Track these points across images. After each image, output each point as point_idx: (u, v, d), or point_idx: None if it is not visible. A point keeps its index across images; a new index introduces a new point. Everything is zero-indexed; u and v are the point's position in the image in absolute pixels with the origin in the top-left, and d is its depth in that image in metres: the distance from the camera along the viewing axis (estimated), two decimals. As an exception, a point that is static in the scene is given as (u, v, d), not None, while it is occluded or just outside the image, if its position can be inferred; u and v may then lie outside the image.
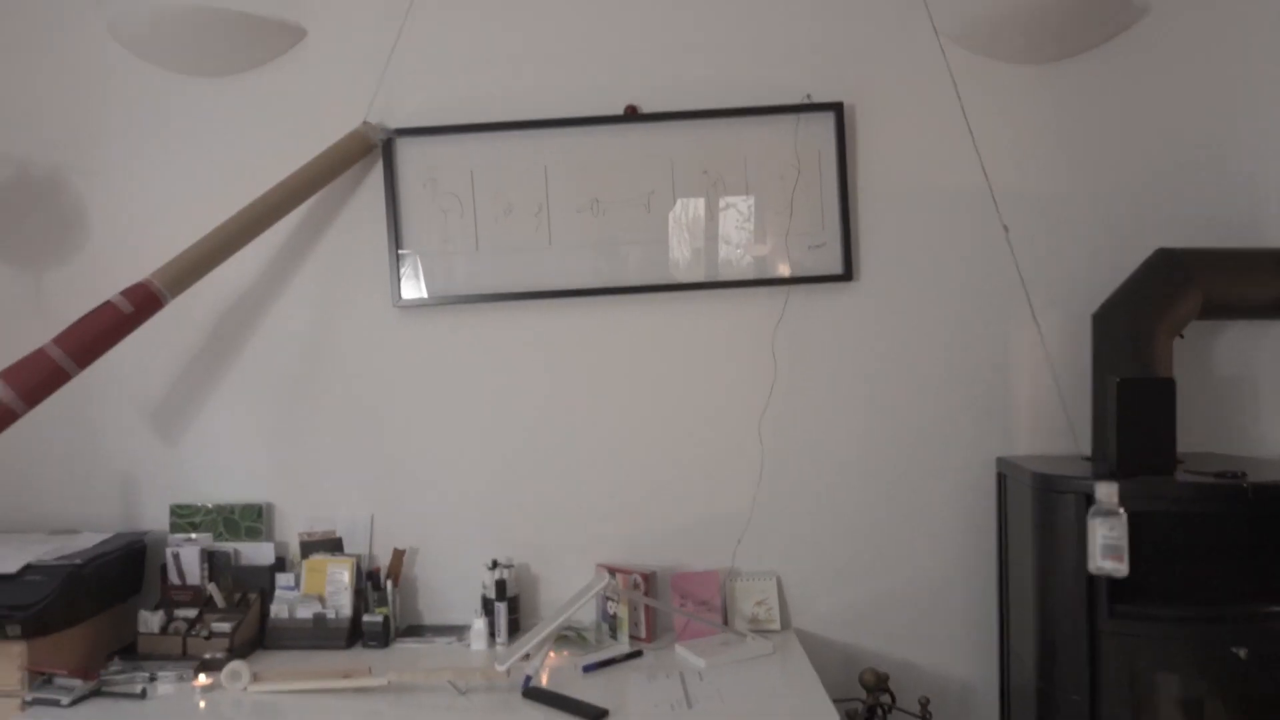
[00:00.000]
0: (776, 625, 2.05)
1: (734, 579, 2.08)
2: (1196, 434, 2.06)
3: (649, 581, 2.04)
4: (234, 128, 2.15)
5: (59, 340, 1.71)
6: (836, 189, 2.09)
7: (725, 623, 2.04)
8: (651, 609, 2.00)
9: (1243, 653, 1.58)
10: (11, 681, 1.75)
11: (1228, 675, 1.61)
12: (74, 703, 1.69)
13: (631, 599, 1.98)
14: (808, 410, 2.10)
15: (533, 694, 1.69)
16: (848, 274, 2.08)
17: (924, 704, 1.94)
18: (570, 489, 2.12)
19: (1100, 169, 2.08)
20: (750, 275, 2.09)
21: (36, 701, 1.69)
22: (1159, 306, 1.81)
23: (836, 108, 2.08)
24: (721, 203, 2.09)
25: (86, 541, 1.97)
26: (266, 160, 2.13)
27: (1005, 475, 1.99)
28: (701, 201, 2.10)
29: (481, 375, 2.13)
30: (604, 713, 1.58)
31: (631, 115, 2.10)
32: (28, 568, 1.79)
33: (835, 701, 1.71)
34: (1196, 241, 2.06)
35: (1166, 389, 1.71)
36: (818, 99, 2.11)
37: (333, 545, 2.12)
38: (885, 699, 1.93)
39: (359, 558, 2.09)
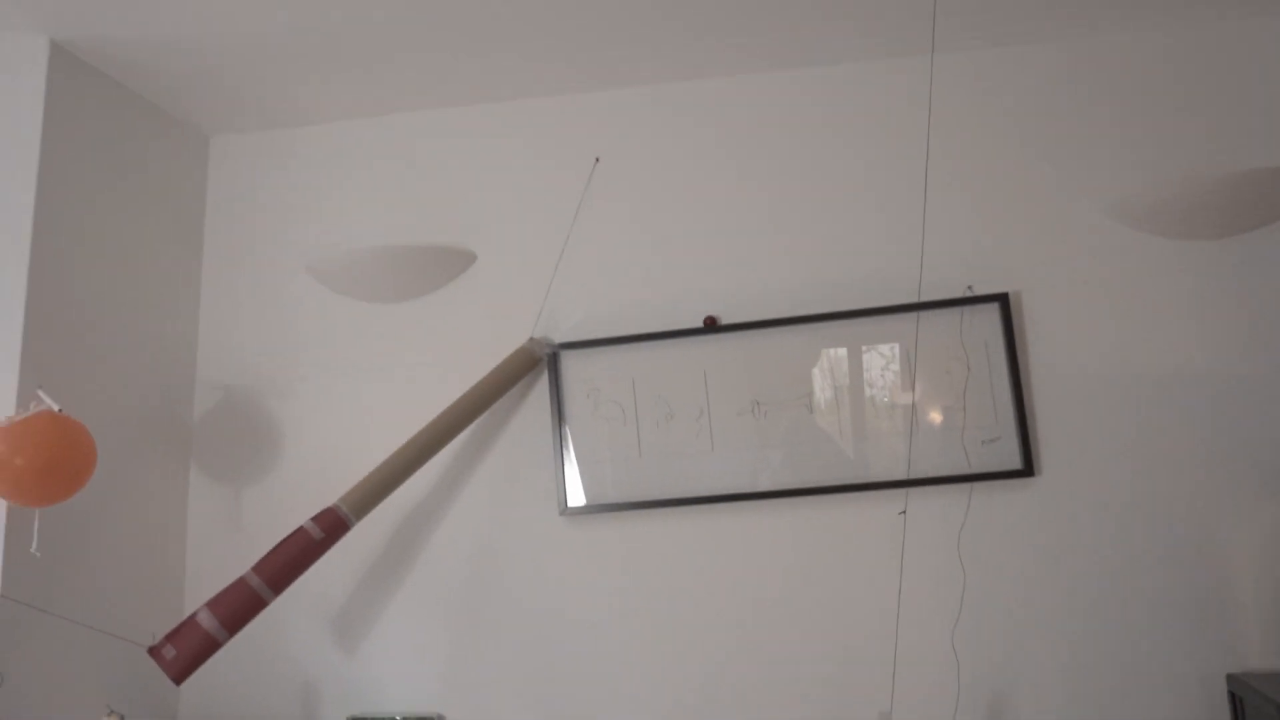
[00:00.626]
0: None
1: (927, 812, 1.89)
2: None
3: (833, 814, 1.88)
4: (412, 347, 2.31)
5: (257, 569, 1.81)
6: (1008, 380, 2.00)
7: None
8: (837, 847, 1.84)
9: None
10: None
11: None
12: None
13: (815, 836, 1.83)
14: (1002, 618, 1.95)
15: None
16: (1028, 469, 1.97)
17: None
18: (752, 702, 2.02)
19: (1308, 348, 1.92)
20: (925, 474, 2.00)
21: None
22: None
23: (1001, 298, 2.03)
24: (888, 400, 2.05)
25: (270, 757, 2.02)
26: (441, 376, 2.26)
27: (1241, 698, 1.75)
28: (866, 399, 2.06)
29: (651, 582, 2.10)
30: None
31: (790, 319, 2.11)
32: (218, 791, 1.84)
33: None
34: None
35: None
36: (980, 291, 2.07)
37: (501, 762, 2.09)
38: None
39: (527, 777, 2.04)
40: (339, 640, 2.23)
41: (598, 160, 2.31)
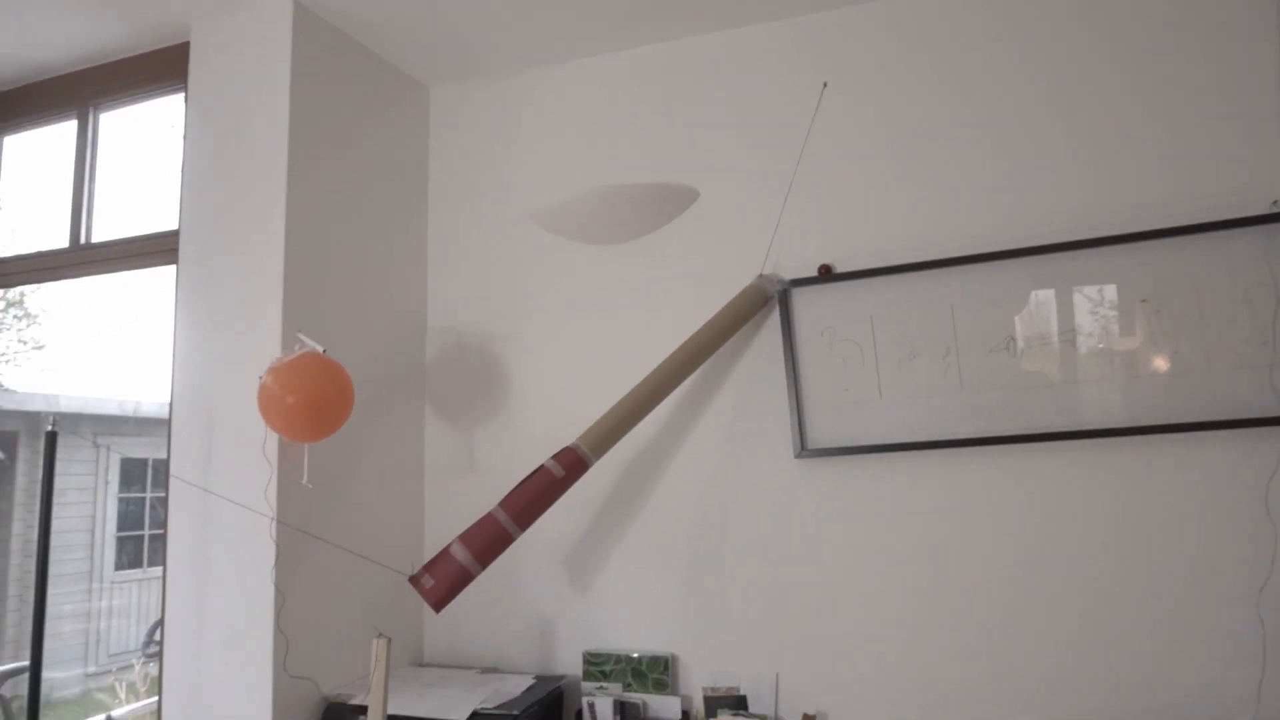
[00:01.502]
0: None
1: (1221, 791, 1.70)
2: None
3: (1108, 786, 1.72)
4: (637, 288, 2.27)
5: (504, 505, 1.84)
6: (1326, 310, 1.72)
7: None
8: (1115, 821, 1.69)
9: None
10: (459, 826, 1.86)
11: None
12: None
13: (1089, 807, 1.69)
14: (1308, 583, 1.70)
15: None
16: (1352, 413, 1.69)
17: None
18: (1006, 662, 1.89)
19: None
20: (1215, 416, 1.76)
21: None
22: None
23: (1318, 214, 1.74)
24: (1170, 333, 1.81)
25: (515, 687, 2.08)
26: (668, 317, 2.21)
27: None
28: (1141, 334, 1.83)
29: (892, 529, 1.99)
30: None
31: (1051, 247, 1.91)
32: (474, 715, 1.91)
33: None
34: None
35: None
36: (1288, 205, 1.78)
37: (737, 702, 2.06)
38: None
39: (766, 718, 2.01)
40: (573, 579, 2.26)
41: (825, 85, 2.16)
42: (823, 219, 2.11)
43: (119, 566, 8.23)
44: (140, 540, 8.61)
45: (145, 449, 8.54)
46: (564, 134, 2.42)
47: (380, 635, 1.64)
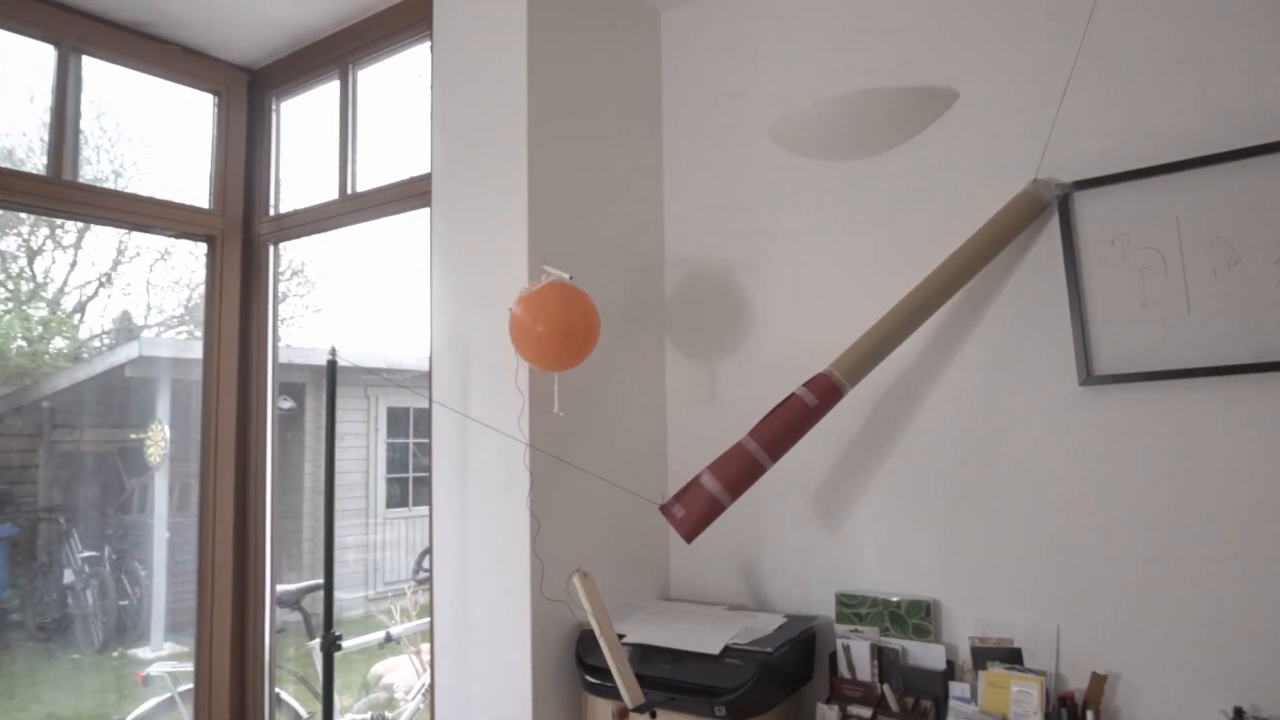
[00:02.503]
0: None
1: None
2: None
3: None
4: (890, 206, 2.09)
5: (754, 434, 1.76)
6: None
7: None
8: None
9: None
10: (714, 758, 1.83)
11: None
12: (774, 796, 1.69)
13: None
14: None
15: None
16: None
17: None
18: (1348, 626, 1.57)
19: None
20: None
21: (739, 785, 1.74)
22: None
23: None
24: None
25: (765, 625, 2.02)
26: (925, 236, 2.02)
27: None
28: None
29: (1199, 468, 1.71)
30: None
31: None
32: (726, 650, 1.87)
33: None
34: None
35: None
36: None
37: (1010, 655, 1.87)
38: None
39: (1046, 676, 1.80)
40: (822, 517, 2.16)
41: (1116, -50, 1.85)
42: (1109, 109, 1.82)
43: (389, 504, 9.12)
44: (406, 482, 9.48)
45: (407, 399, 9.35)
46: (800, 41, 2.26)
47: (578, 571, 1.63)
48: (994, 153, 1.95)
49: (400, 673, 5.39)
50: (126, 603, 7.37)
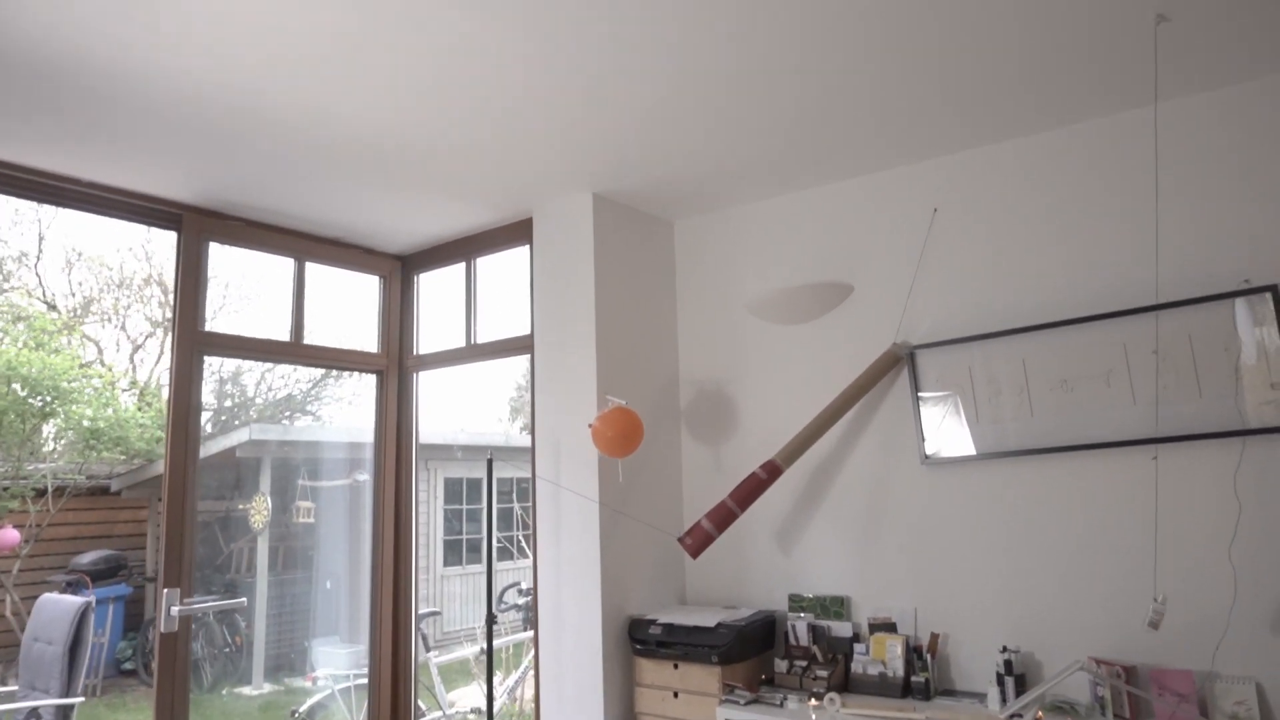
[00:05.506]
0: (1256, 724, 2.45)
1: (1213, 680, 2.54)
2: None
3: (1130, 674, 2.62)
4: (814, 352, 3.42)
5: (731, 496, 3.06)
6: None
7: (1203, 715, 2.51)
8: (1133, 696, 2.58)
9: None
10: (713, 689, 3.08)
11: None
12: (746, 704, 2.94)
13: (1114, 685, 2.60)
14: (1275, 537, 2.51)
15: (1026, 738, 2.45)
16: (1300, 425, 2.48)
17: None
18: (1064, 601, 2.82)
19: None
20: (1207, 429, 2.61)
21: (726, 702, 2.98)
22: None
23: (1272, 289, 2.55)
24: (1172, 373, 2.68)
25: (743, 613, 3.28)
26: (834, 372, 3.33)
27: None
28: (1153, 373, 2.71)
29: (988, 512, 2.98)
30: (1073, 753, 2.29)
31: (1086, 318, 2.83)
32: (719, 625, 3.13)
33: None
34: None
35: None
36: (1256, 283, 2.59)
37: (888, 626, 3.12)
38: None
39: (907, 637, 3.05)
40: (781, 545, 3.44)
41: (936, 210, 3.20)
42: (934, 304, 3.15)
43: (446, 564, 10.33)
44: (460, 544, 10.73)
45: (461, 470, 10.65)
46: (764, 248, 3.62)
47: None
48: (872, 324, 3.28)
49: (469, 695, 6.64)
50: (229, 649, 8.62)
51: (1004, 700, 2.76)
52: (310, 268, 3.83)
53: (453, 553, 10.56)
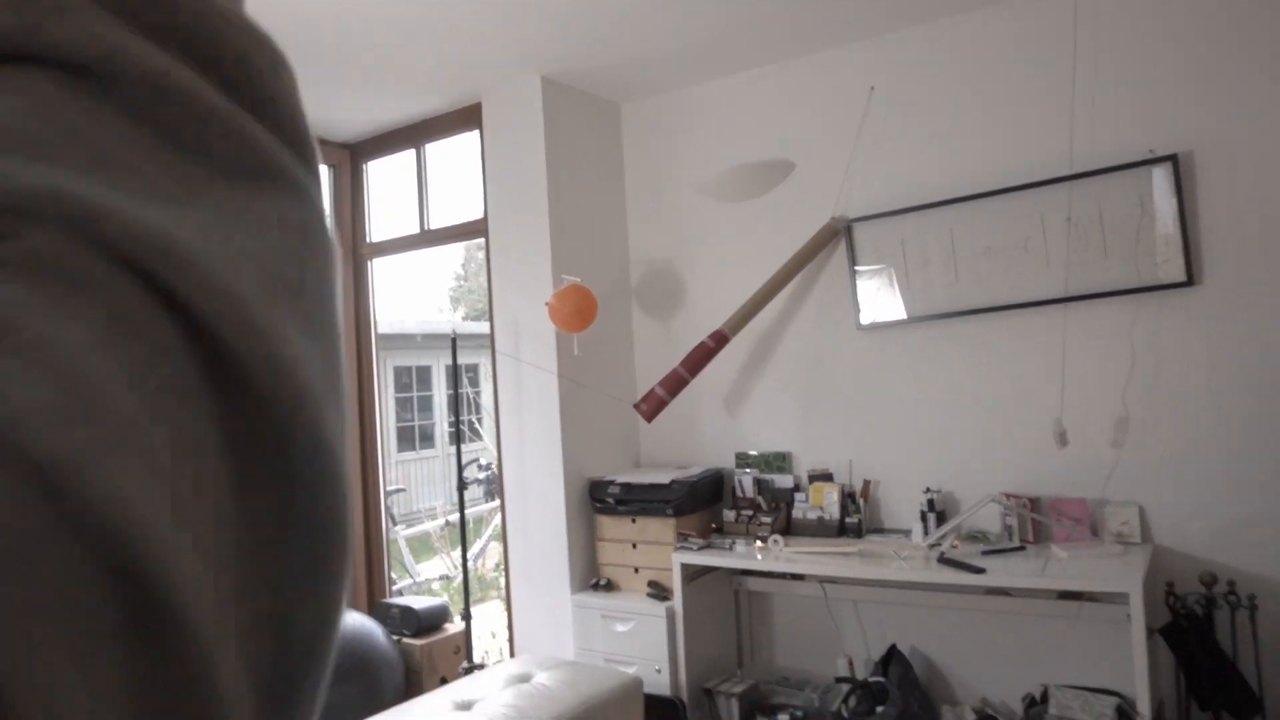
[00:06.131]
0: (1137, 540, 2.84)
1: (1102, 505, 2.92)
2: None
3: (1034, 504, 2.99)
4: (758, 228, 3.61)
5: (682, 364, 3.30)
6: (1177, 219, 2.79)
7: (1094, 535, 2.90)
8: (1036, 522, 2.95)
9: None
10: (668, 539, 3.39)
11: None
12: (699, 550, 3.26)
13: (1020, 514, 2.96)
14: (1167, 382, 2.84)
15: (944, 560, 2.81)
16: (1190, 280, 2.78)
17: (1248, 598, 2.59)
18: (979, 446, 3.16)
19: None
20: (1109, 288, 2.90)
21: (680, 549, 3.30)
22: None
23: (1173, 158, 2.79)
24: (1081, 239, 2.95)
25: (694, 473, 3.58)
26: (777, 246, 3.54)
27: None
28: (1065, 240, 2.97)
29: (914, 371, 3.28)
30: (981, 570, 2.65)
31: (1009, 189, 3.07)
32: (673, 481, 3.42)
33: (1182, 595, 2.53)
34: None
35: None
36: (1161, 152, 2.84)
37: (825, 477, 3.45)
38: (1218, 590, 2.62)
39: (843, 485, 3.38)
40: (729, 408, 3.71)
41: (872, 89, 3.36)
42: (870, 180, 3.35)
43: (400, 449, 10.53)
44: (412, 429, 10.91)
45: (409, 359, 10.72)
46: (710, 129, 3.75)
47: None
48: (812, 200, 3.47)
49: (434, 567, 6.96)
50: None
51: (926, 533, 3.12)
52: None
53: (405, 439, 10.79)
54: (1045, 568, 2.68)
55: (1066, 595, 2.90)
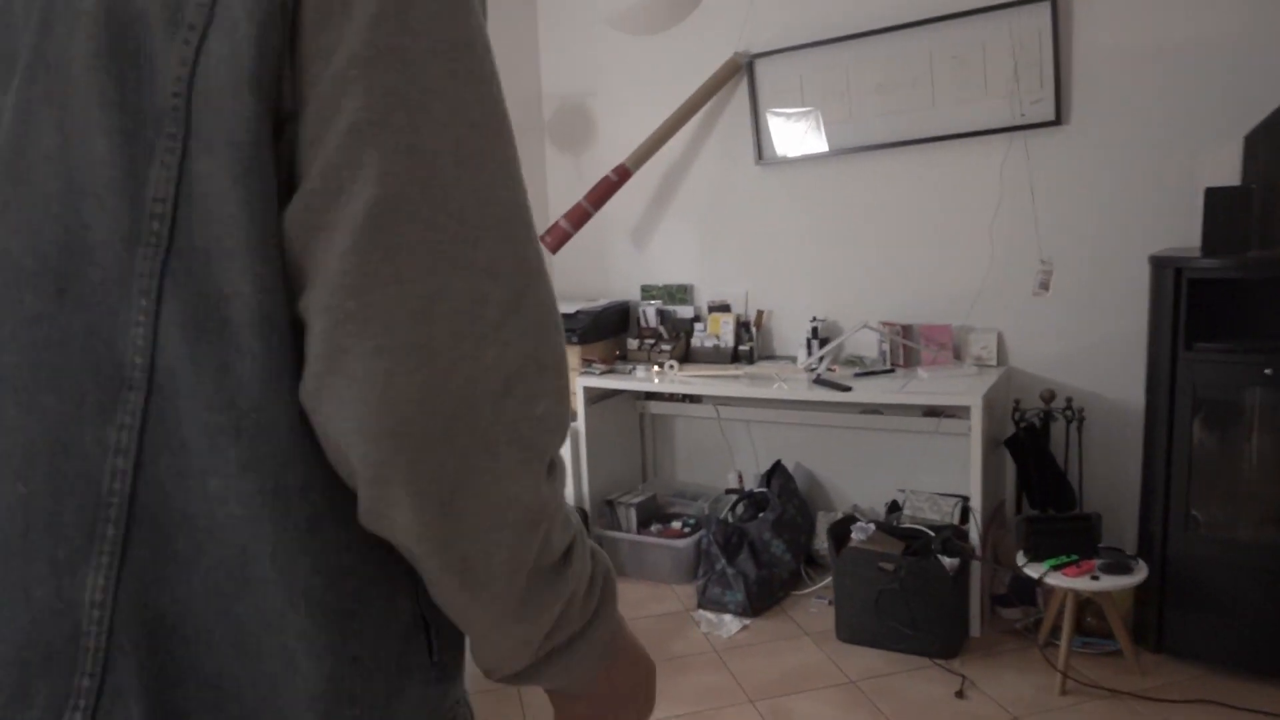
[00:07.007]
0: (994, 363, 3.12)
1: (966, 332, 3.18)
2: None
3: (906, 331, 3.24)
4: (666, 60, 3.64)
5: (586, 197, 3.40)
6: (1052, 59, 2.91)
7: (957, 359, 3.17)
8: (908, 346, 3.22)
9: (1269, 371, 2.34)
10: (573, 364, 3.60)
11: (1258, 388, 2.39)
12: (601, 374, 3.48)
13: (893, 340, 3.22)
14: (1026, 218, 3.05)
15: (819, 381, 3.07)
16: (1058, 120, 2.94)
17: (1078, 411, 2.90)
18: (862, 277, 3.37)
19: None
20: (986, 126, 3.04)
21: (584, 373, 3.52)
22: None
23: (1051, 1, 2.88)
24: (965, 77, 3.06)
25: (601, 303, 3.75)
26: (684, 78, 3.58)
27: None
28: (951, 78, 3.08)
29: (807, 206, 3.44)
30: (848, 388, 2.92)
31: (902, 25, 3.13)
32: (579, 311, 3.60)
33: (1025, 410, 2.83)
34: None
35: (1244, 194, 2.40)
36: (1042, -9, 2.92)
37: (723, 308, 3.66)
38: (1056, 406, 2.94)
39: (739, 315, 3.60)
40: (635, 242, 3.86)
41: (779, -83, 3.33)
42: (772, 15, 3.38)
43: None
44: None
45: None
46: (619, -42, 3.69)
47: None
48: (716, 34, 3.50)
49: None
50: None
51: (809, 356, 3.37)
52: None
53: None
54: (905, 386, 2.95)
55: (930, 412, 3.21)
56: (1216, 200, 2.44)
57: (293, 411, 0.50)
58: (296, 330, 0.50)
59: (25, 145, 0.51)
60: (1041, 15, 2.91)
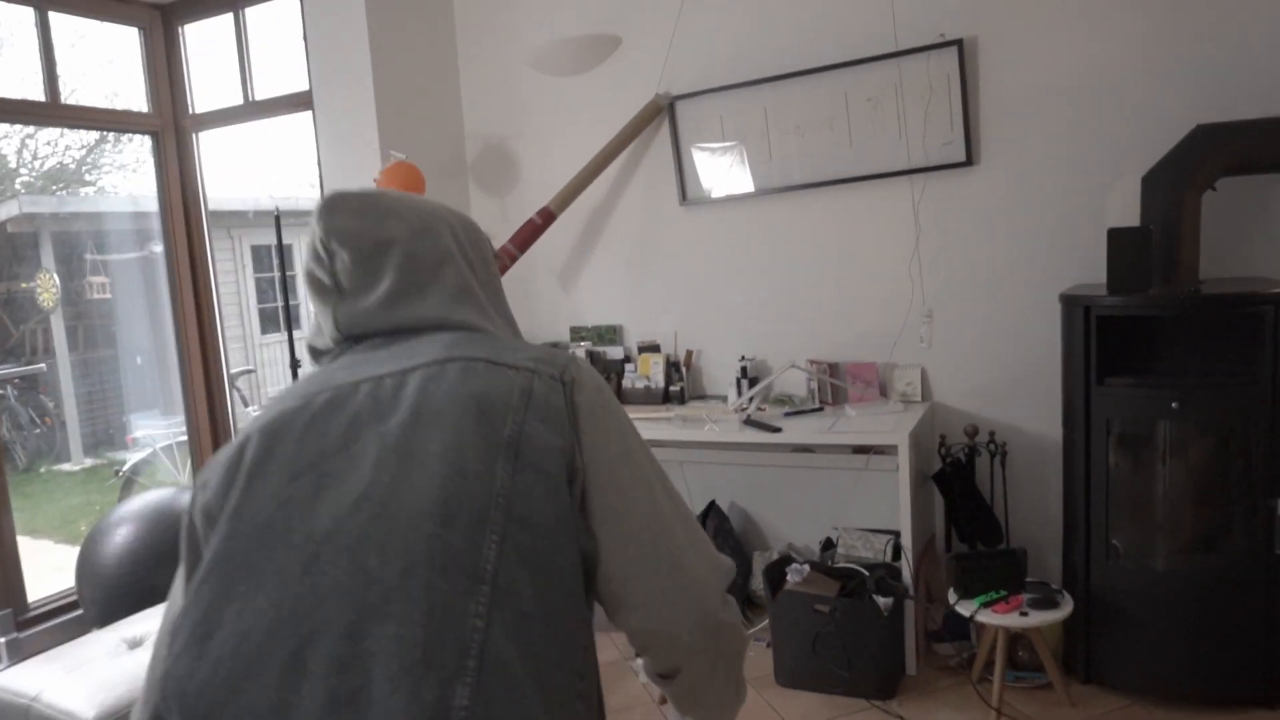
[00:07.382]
0: (919, 398, 3.17)
1: (891, 368, 3.22)
2: (1232, 264, 2.71)
3: (833, 369, 3.27)
4: (587, 102, 3.64)
5: (511, 240, 3.37)
6: (960, 101, 2.99)
7: (883, 395, 3.21)
8: (835, 385, 3.24)
9: (1175, 404, 2.42)
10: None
11: (1166, 421, 2.46)
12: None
13: (820, 379, 3.24)
14: (946, 255, 3.11)
15: (749, 422, 3.07)
16: (969, 161, 3.01)
17: (1001, 445, 2.96)
18: (788, 316, 3.40)
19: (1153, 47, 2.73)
20: (901, 167, 3.11)
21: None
22: (1190, 171, 2.52)
23: (958, 43, 2.96)
24: (880, 119, 3.12)
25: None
26: (605, 119, 3.59)
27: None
28: (866, 119, 3.15)
29: (732, 246, 3.46)
30: (778, 429, 2.92)
31: (818, 69, 3.19)
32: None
33: (950, 445, 2.86)
34: (1230, 116, 2.64)
35: (1144, 234, 2.49)
36: (950, 36, 3.00)
37: (654, 348, 3.65)
38: (980, 440, 2.99)
39: (668, 355, 3.59)
40: (563, 284, 3.83)
41: (695, -37, 3.37)
42: (692, 57, 3.41)
43: (264, 331, 10.30)
44: (275, 311, 10.62)
45: (268, 238, 10.34)
46: (539, 3, 3.70)
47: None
48: (638, 76, 3.52)
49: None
50: (40, 429, 8.46)
51: (739, 396, 3.38)
52: (56, 18, 3.57)
53: (270, 320, 10.51)
54: (834, 425, 2.97)
55: (860, 449, 3.23)
56: (1119, 240, 2.52)
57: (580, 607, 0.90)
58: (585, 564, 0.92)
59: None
60: (949, 59, 2.99)
